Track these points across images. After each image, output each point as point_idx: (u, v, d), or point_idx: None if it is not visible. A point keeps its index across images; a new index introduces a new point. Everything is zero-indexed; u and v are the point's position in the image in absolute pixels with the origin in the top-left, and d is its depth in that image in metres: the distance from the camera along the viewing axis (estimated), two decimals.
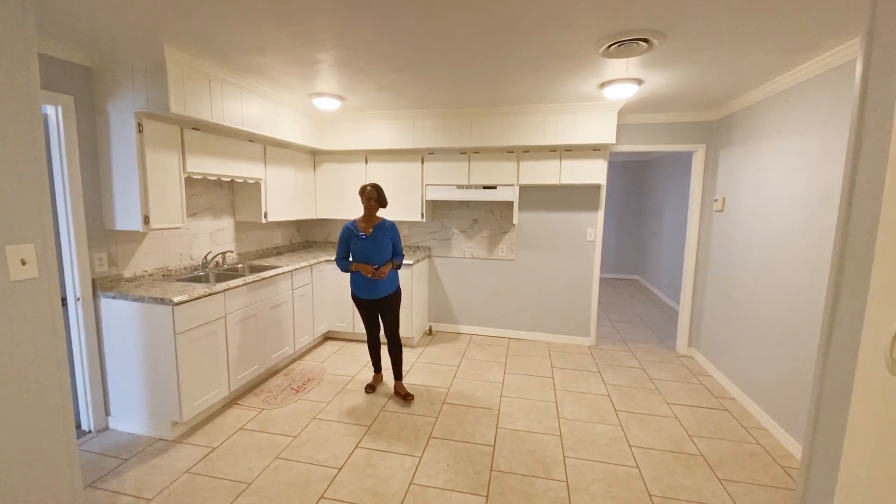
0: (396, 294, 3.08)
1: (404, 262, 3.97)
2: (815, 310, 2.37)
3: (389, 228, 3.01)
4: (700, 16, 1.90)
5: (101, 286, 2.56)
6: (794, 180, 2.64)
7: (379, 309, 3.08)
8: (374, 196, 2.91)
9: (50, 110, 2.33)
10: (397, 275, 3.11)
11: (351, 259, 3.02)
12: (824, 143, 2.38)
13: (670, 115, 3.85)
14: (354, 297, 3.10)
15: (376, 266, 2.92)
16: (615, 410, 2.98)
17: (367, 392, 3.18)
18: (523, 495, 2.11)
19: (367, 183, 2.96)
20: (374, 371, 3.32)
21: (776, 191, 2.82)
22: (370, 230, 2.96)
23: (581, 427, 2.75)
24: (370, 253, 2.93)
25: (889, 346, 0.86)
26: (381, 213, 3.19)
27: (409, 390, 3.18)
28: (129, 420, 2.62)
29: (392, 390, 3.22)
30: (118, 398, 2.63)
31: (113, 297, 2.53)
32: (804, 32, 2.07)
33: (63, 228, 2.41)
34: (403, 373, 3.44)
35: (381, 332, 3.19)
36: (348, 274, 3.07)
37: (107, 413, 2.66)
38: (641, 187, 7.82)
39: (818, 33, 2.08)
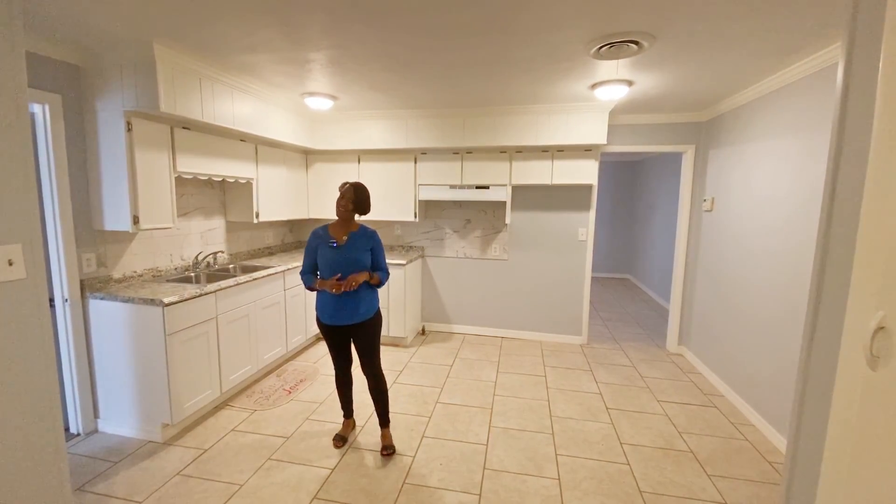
0: (375, 319, 2.41)
1: (397, 263, 3.94)
2: (800, 308, 2.42)
3: (369, 237, 2.39)
4: (688, 19, 1.93)
5: (89, 287, 2.53)
6: (781, 181, 2.69)
7: (352, 338, 2.44)
8: (349, 196, 2.32)
9: (37, 109, 2.29)
10: (377, 295, 2.46)
11: (319, 274, 2.39)
12: (811, 144, 2.43)
13: (660, 116, 3.90)
14: (319, 324, 2.43)
15: (339, 276, 2.29)
16: (606, 408, 3.01)
17: (336, 446, 2.48)
18: (516, 493, 2.13)
19: (350, 181, 2.40)
20: (345, 416, 2.63)
21: (764, 191, 2.87)
22: (344, 238, 2.35)
23: (573, 425, 2.78)
24: (341, 267, 2.30)
25: (869, 343, 0.88)
26: (364, 218, 2.69)
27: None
28: (118, 422, 2.59)
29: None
30: (107, 400, 2.60)
31: (102, 298, 2.50)
32: (789, 36, 2.11)
33: (51, 229, 2.38)
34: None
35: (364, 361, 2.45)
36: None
37: (96, 415, 2.63)
38: (632, 187, 7.90)
39: (803, 37, 2.13)
